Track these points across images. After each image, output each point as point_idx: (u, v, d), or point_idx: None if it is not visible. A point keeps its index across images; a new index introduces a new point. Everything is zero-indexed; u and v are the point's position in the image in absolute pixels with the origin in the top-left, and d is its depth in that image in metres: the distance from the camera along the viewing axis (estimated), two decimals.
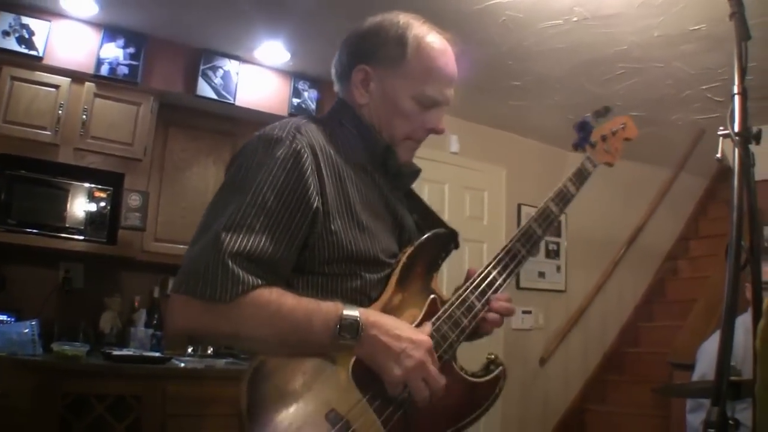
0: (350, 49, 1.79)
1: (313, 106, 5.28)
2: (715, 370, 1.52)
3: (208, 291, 1.37)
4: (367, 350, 1.45)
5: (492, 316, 1.73)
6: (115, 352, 4.22)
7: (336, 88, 1.85)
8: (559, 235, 6.67)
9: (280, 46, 4.84)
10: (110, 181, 4.53)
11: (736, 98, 1.80)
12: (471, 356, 1.80)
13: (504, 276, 1.75)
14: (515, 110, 5.92)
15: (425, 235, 1.73)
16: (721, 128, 1.83)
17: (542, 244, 6.48)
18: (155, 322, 4.76)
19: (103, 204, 4.47)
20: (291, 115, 5.14)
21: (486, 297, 1.70)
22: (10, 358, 3.79)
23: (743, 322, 3.64)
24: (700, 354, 3.78)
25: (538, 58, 4.89)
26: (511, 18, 4.32)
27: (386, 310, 1.58)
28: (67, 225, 4.34)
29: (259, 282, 1.41)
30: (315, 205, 1.52)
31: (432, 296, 1.67)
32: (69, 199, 4.37)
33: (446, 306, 1.66)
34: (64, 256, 4.57)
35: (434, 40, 1.76)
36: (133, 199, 4.51)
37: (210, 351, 4.87)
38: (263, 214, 1.45)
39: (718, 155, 1.85)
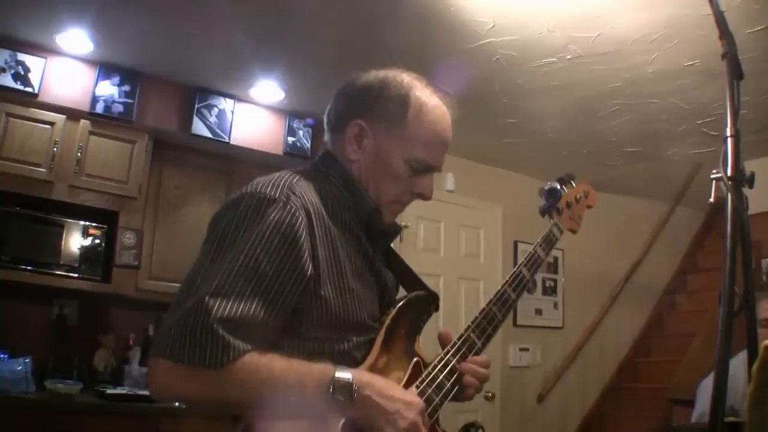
0: (348, 101, 1.75)
1: (308, 144, 5.30)
2: (709, 415, 1.51)
3: (197, 357, 1.32)
4: (361, 411, 1.43)
5: (469, 379, 1.73)
6: (109, 391, 4.21)
7: (326, 137, 1.81)
8: (555, 271, 6.66)
9: (275, 84, 4.85)
10: (105, 218, 4.54)
11: (729, 141, 1.80)
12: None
13: (482, 339, 1.77)
14: (510, 147, 5.92)
15: (407, 297, 1.75)
16: (714, 171, 1.82)
17: (539, 281, 6.47)
18: None
19: (97, 241, 4.47)
20: (286, 154, 5.21)
21: (466, 360, 1.73)
22: (2, 396, 3.77)
23: (744, 358, 3.62)
24: (700, 391, 3.75)
25: (532, 95, 4.90)
26: (505, 56, 4.33)
27: (372, 372, 1.56)
28: (61, 262, 4.34)
29: (249, 347, 1.37)
30: (308, 271, 1.48)
31: (415, 359, 1.68)
32: (63, 236, 4.37)
33: (429, 369, 1.67)
34: (58, 293, 4.56)
35: (436, 104, 1.73)
36: (128, 237, 4.51)
37: None
38: (255, 279, 1.40)
39: (711, 199, 1.85)
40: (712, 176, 1.81)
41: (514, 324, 6.15)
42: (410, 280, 1.85)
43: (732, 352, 3.59)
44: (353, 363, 1.55)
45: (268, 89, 4.92)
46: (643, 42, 4.12)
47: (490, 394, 5.59)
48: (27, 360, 4.06)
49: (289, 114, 5.28)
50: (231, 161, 5.22)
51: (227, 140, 4.98)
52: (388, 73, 1.75)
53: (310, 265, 1.48)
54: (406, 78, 1.74)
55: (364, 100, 1.72)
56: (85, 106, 4.51)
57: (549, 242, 2.09)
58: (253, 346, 1.38)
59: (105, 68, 4.59)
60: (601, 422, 6.63)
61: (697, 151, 5.92)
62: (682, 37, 4.07)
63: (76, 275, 4.37)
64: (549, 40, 4.14)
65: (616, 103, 5.00)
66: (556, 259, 6.64)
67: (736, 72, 1.94)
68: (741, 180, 1.79)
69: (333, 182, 1.69)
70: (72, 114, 4.47)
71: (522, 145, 5.88)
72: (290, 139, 5.25)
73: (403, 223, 1.88)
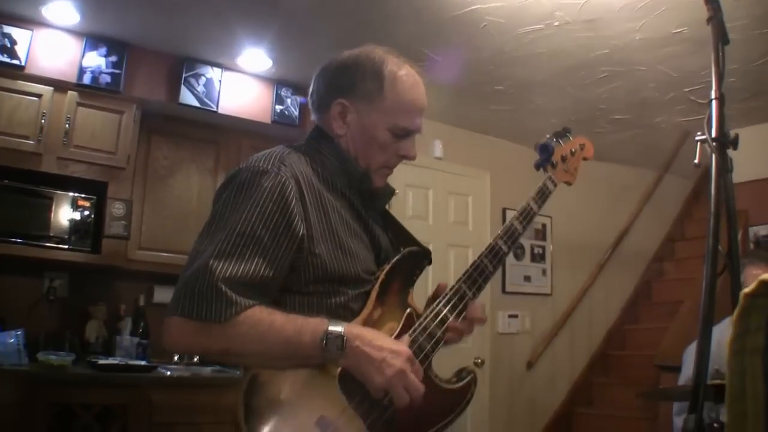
0: (328, 82, 1.88)
1: (296, 112, 5.29)
2: (693, 376, 1.54)
3: (204, 313, 1.49)
4: (352, 361, 1.56)
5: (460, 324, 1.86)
6: (101, 361, 4.21)
7: (313, 116, 1.94)
8: (544, 238, 6.68)
9: (262, 53, 4.84)
10: (94, 189, 4.53)
11: (713, 103, 1.86)
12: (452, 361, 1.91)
13: (473, 290, 1.87)
14: (498, 114, 5.93)
15: (401, 253, 1.85)
16: (699, 133, 1.85)
17: (527, 248, 6.50)
18: (141, 330, 4.76)
19: (86, 213, 4.46)
20: (274, 122, 5.20)
21: (457, 310, 1.82)
22: None
23: (730, 323, 3.66)
24: (686, 356, 3.80)
25: (520, 62, 4.90)
26: (492, 23, 4.33)
27: (367, 323, 1.70)
28: (51, 234, 4.33)
29: (250, 303, 1.53)
30: (300, 232, 1.64)
31: (408, 310, 1.80)
32: (53, 208, 4.36)
33: (421, 319, 1.78)
34: (48, 266, 4.56)
35: (407, 73, 1.86)
36: (117, 208, 4.51)
37: (196, 359, 4.85)
38: (253, 242, 1.57)
39: (696, 161, 1.87)
40: (697, 138, 1.85)
41: (503, 291, 6.20)
42: (405, 238, 1.97)
43: (718, 318, 3.65)
44: (350, 314, 1.70)
45: (256, 58, 4.90)
46: (631, 9, 4.12)
47: (479, 361, 5.62)
48: (19, 333, 4.07)
49: (277, 82, 5.27)
50: (219, 131, 5.21)
51: (215, 109, 4.96)
52: (362, 51, 1.88)
53: (302, 227, 1.64)
54: (378, 53, 1.87)
55: (342, 80, 1.86)
56: (73, 78, 4.48)
57: (542, 195, 2.15)
58: (255, 302, 1.54)
59: (92, 39, 4.55)
60: (589, 389, 6.69)
61: (685, 118, 5.94)
62: (669, 4, 4.07)
63: (66, 247, 4.36)
64: (536, 7, 4.14)
65: (603, 70, 5.01)
66: (544, 226, 6.66)
67: (721, 36, 1.96)
68: (725, 142, 1.81)
69: (324, 153, 1.84)
70: (59, 86, 4.44)
71: (509, 112, 5.87)
72: (278, 108, 5.24)
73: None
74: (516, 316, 6.27)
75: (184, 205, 4.98)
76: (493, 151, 6.42)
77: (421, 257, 1.90)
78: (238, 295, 1.51)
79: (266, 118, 5.20)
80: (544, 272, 6.58)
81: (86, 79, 4.50)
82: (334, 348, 1.53)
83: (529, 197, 2.10)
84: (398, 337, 1.70)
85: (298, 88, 5.34)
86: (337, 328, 1.54)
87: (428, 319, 1.77)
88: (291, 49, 4.81)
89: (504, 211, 6.35)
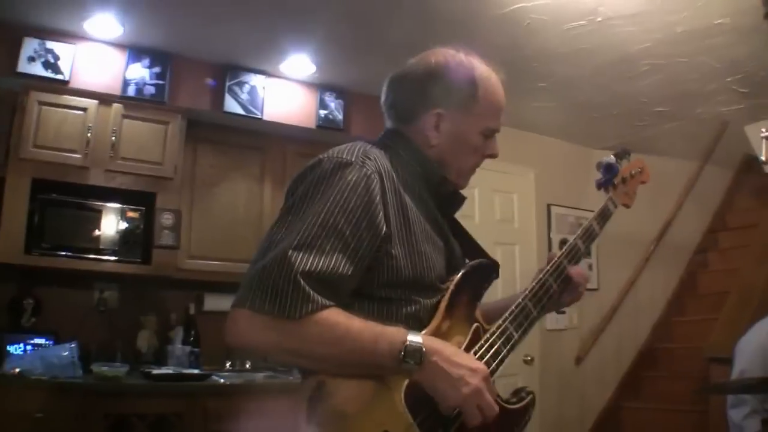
0: (416, 92, 1.83)
1: (340, 116, 5.28)
2: None
3: (277, 308, 1.41)
4: (428, 375, 1.50)
5: (578, 279, 1.94)
6: (155, 371, 4.23)
7: (388, 123, 1.90)
8: None
9: (305, 58, 4.84)
10: (142, 200, 4.56)
11: None
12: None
13: (538, 308, 1.84)
14: (541, 111, 5.89)
15: (470, 264, 1.81)
16: (764, 130, 1.84)
17: None
18: (192, 338, 4.77)
19: (135, 224, 4.49)
20: (318, 127, 5.20)
21: (522, 328, 1.78)
22: (51, 382, 3.80)
23: None
24: (739, 348, 3.75)
25: (563, 59, 4.87)
26: (536, 21, 4.31)
27: (436, 335, 1.63)
28: (100, 246, 4.36)
29: (328, 302, 1.46)
30: (383, 230, 1.57)
31: (475, 325, 1.74)
32: (101, 220, 4.39)
33: (488, 335, 1.72)
34: (98, 277, 4.60)
35: (494, 76, 1.86)
36: (166, 218, 4.53)
37: (248, 365, 4.87)
38: (334, 235, 1.50)
39: (763, 158, 1.87)
40: (762, 135, 1.84)
41: None
42: (473, 249, 1.93)
43: (765, 313, 3.59)
44: (419, 325, 1.62)
45: (299, 63, 4.90)
46: (673, 1, 4.09)
47: (529, 358, 5.62)
48: (73, 345, 4.10)
49: (320, 87, 5.25)
50: (264, 137, 5.21)
51: (260, 116, 4.96)
52: (446, 57, 1.84)
53: (384, 225, 1.58)
54: (464, 58, 1.84)
55: (435, 88, 1.81)
56: (117, 90, 4.51)
57: (604, 216, 2.16)
58: (332, 301, 1.47)
59: (134, 51, 4.59)
60: (638, 383, 6.63)
61: (725, 108, 5.89)
62: None
63: (115, 258, 4.39)
64: (579, 3, 4.13)
65: (645, 63, 4.97)
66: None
67: None
68: None
69: (402, 155, 1.79)
70: (104, 99, 4.47)
71: (553, 108, 5.84)
72: (322, 113, 5.23)
73: None
74: (564, 312, 6.21)
75: (231, 213, 5.00)
76: (537, 148, 6.40)
77: (490, 270, 1.86)
78: (316, 292, 1.43)
79: (311, 123, 5.19)
80: (590, 267, 6.52)
81: (130, 91, 4.52)
82: (412, 360, 1.47)
83: (591, 218, 2.10)
84: (465, 351, 1.65)
85: (342, 92, 5.33)
86: (416, 339, 1.49)
87: (495, 335, 1.72)
88: (333, 54, 4.82)
89: (549, 207, 6.36)
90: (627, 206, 2.28)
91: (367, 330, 1.49)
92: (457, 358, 1.53)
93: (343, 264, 1.49)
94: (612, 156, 2.25)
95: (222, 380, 4.38)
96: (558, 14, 4.25)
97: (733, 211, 7.90)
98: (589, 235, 2.08)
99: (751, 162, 7.61)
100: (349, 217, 1.52)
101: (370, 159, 1.63)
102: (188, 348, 4.71)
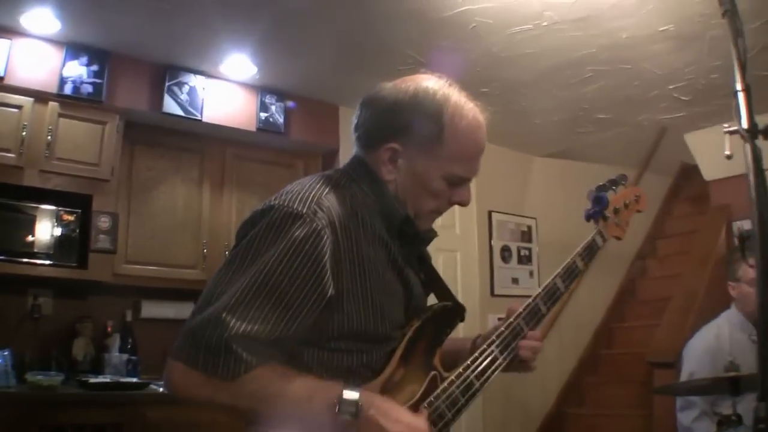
0: (379, 119, 1.71)
1: (281, 120, 5.21)
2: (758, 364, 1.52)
3: (210, 367, 1.37)
4: (364, 431, 1.42)
5: (523, 352, 1.80)
6: (92, 380, 4.11)
7: (355, 148, 1.78)
8: (530, 240, 6.68)
9: (246, 59, 4.75)
10: (78, 203, 4.40)
11: (741, 95, 1.80)
12: None
13: (505, 354, 1.76)
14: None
15: (433, 310, 1.72)
16: (726, 125, 1.84)
17: (514, 250, 6.48)
18: (129, 346, 4.65)
19: (71, 227, 4.33)
20: (259, 129, 5.12)
21: (485, 377, 1.70)
22: None
23: (728, 318, 3.68)
24: (687, 351, 3.78)
25: (507, 64, 4.86)
26: (481, 24, 4.29)
27: (388, 385, 1.57)
28: (35, 250, 4.19)
29: (262, 361, 1.40)
30: (329, 291, 1.49)
31: (432, 373, 1.65)
32: (36, 223, 4.22)
33: (446, 384, 1.63)
34: (32, 282, 4.43)
35: (472, 117, 1.72)
36: (103, 221, 4.39)
37: None
38: (275, 296, 1.43)
39: (727, 152, 1.86)
40: (725, 130, 1.83)
41: (492, 293, 6.18)
42: (439, 288, 1.83)
43: (715, 314, 3.63)
44: (371, 374, 1.57)
45: (240, 64, 4.81)
46: (620, 7, 4.10)
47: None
48: (6, 353, 3.96)
49: (261, 89, 5.17)
50: (203, 140, 5.11)
51: (199, 117, 4.86)
52: (420, 86, 1.69)
53: (332, 285, 1.49)
54: (439, 90, 1.69)
55: (396, 120, 1.68)
56: (53, 88, 4.35)
57: (590, 252, 2.08)
58: (266, 360, 1.41)
59: (72, 48, 4.43)
60: (580, 389, 6.68)
61: (666, 116, 5.95)
62: (657, 2, 4.06)
63: (50, 263, 4.23)
64: (525, 7, 4.11)
65: (589, 69, 4.99)
66: (529, 227, 6.67)
67: (738, 28, 1.94)
68: (755, 132, 1.80)
69: (364, 189, 1.67)
70: (40, 96, 4.31)
71: (494, 114, 5.72)
72: (263, 115, 5.14)
73: None
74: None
75: (169, 217, 4.87)
76: None
77: (454, 315, 1.77)
78: (250, 351, 1.38)
79: (251, 126, 5.11)
80: (531, 274, 6.57)
81: (67, 89, 4.37)
82: (348, 415, 1.38)
83: (575, 253, 2.01)
84: (419, 401, 1.57)
85: (283, 95, 5.26)
86: (352, 394, 1.40)
87: (454, 385, 1.63)
88: (275, 55, 4.74)
89: (490, 214, 6.36)
90: (618, 239, 2.20)
91: (302, 386, 1.43)
92: (396, 414, 1.46)
93: (282, 326, 1.43)
94: (604, 184, 2.16)
95: (161, 389, 4.24)
96: (504, 18, 4.23)
97: (671, 218, 8.05)
98: (570, 273, 1.99)
99: (688, 170, 7.78)
100: (292, 278, 1.44)
101: (322, 210, 1.52)
102: (126, 356, 4.59)
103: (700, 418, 3.47)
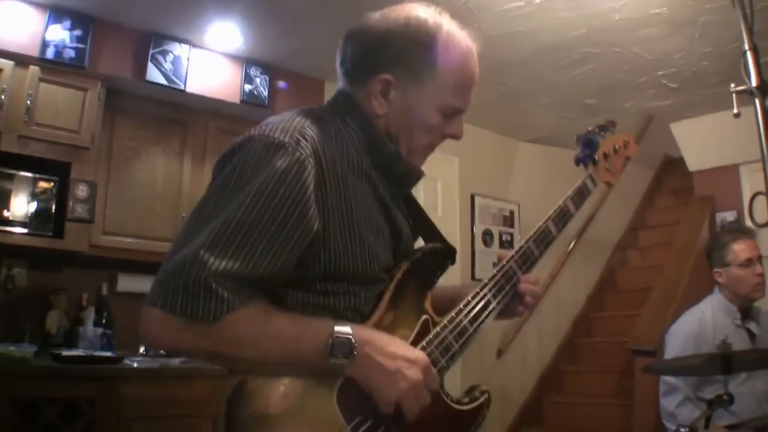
0: (369, 51, 1.62)
1: (265, 92, 5.11)
2: None
3: (189, 309, 1.27)
4: (360, 370, 1.38)
5: (527, 299, 1.77)
6: (65, 353, 3.99)
7: (341, 83, 1.69)
8: (512, 225, 6.66)
9: (233, 27, 4.65)
10: (56, 170, 4.27)
11: (749, 54, 1.83)
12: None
13: (499, 298, 1.70)
14: None
15: (422, 250, 1.65)
16: (733, 85, 1.83)
17: (496, 234, 6.45)
18: (104, 320, 4.54)
19: (48, 195, 4.22)
20: (243, 102, 5.02)
21: (479, 321, 1.64)
22: None
23: (711, 303, 3.67)
24: (670, 337, 3.76)
25: (497, 43, 4.80)
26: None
27: (378, 328, 1.49)
28: (10, 218, 4.07)
29: (245, 301, 1.31)
30: (315, 226, 1.40)
31: (424, 317, 1.59)
32: (12, 190, 4.10)
33: (438, 329, 1.58)
34: (7, 253, 4.32)
35: (464, 45, 1.65)
36: (81, 190, 4.28)
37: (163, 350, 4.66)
38: (256, 232, 1.33)
39: (735, 110, 1.85)
40: (733, 90, 1.83)
41: (473, 277, 6.13)
42: (428, 230, 1.77)
43: (698, 299, 3.63)
44: (359, 318, 1.49)
45: (226, 33, 4.71)
46: None
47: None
48: None
49: (246, 61, 5.07)
50: (186, 111, 4.99)
51: (183, 87, 4.74)
52: (410, 13, 1.61)
53: (317, 219, 1.41)
54: (430, 18, 1.61)
55: (388, 50, 1.59)
56: (35, 52, 4.22)
57: (581, 195, 2.02)
58: (249, 300, 1.32)
59: (55, 12, 4.31)
60: (558, 376, 6.66)
61: (653, 104, 5.95)
62: None
63: (26, 231, 4.11)
64: None
65: (579, 52, 4.96)
66: (512, 212, 6.66)
67: None
68: (765, 90, 1.81)
69: (351, 125, 1.60)
70: (21, 60, 4.18)
71: (481, 95, 5.71)
72: (247, 87, 5.04)
73: None
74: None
75: (149, 189, 4.75)
76: (463, 136, 6.31)
77: (445, 256, 1.69)
78: (231, 291, 1.28)
79: (235, 98, 5.00)
80: None
81: (49, 53, 4.25)
82: (341, 354, 1.33)
83: (565, 197, 1.96)
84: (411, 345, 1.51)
85: (268, 68, 5.16)
86: (344, 329, 1.35)
87: (446, 329, 1.57)
88: (262, 25, 4.64)
89: (473, 197, 6.32)
90: (609, 184, 2.15)
91: (290, 326, 1.36)
92: (393, 348, 1.40)
93: (265, 263, 1.33)
94: (594, 128, 2.11)
95: (136, 364, 4.14)
96: None
97: (653, 210, 8.09)
98: (562, 217, 1.94)
99: (671, 163, 7.81)
100: (275, 211, 1.34)
101: (306, 139, 1.43)
102: (101, 330, 4.47)
103: (684, 404, 3.44)
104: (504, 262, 1.75)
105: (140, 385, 3.97)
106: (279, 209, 1.35)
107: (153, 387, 3.99)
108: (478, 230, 6.32)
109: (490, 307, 1.67)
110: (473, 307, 1.64)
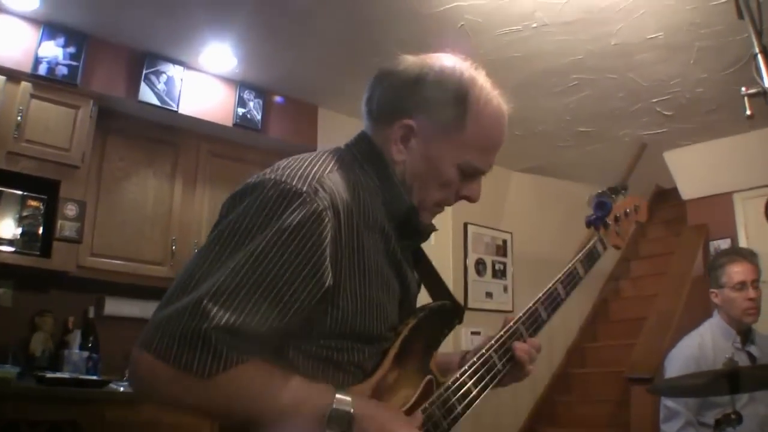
0: (396, 94, 1.55)
1: (258, 116, 5.08)
2: None
3: (183, 361, 1.17)
4: None
5: (528, 368, 1.69)
6: (49, 375, 3.92)
7: (364, 123, 1.62)
8: (505, 255, 6.63)
9: (227, 49, 4.63)
10: (44, 188, 4.23)
11: (759, 57, 1.77)
12: None
13: (504, 360, 1.65)
14: None
15: (429, 307, 1.58)
16: (743, 89, 1.82)
17: (489, 264, 6.40)
18: (90, 344, 4.47)
19: (36, 213, 4.16)
20: (236, 125, 4.99)
21: (483, 383, 1.58)
22: None
23: (710, 326, 3.64)
24: (669, 361, 3.72)
25: (492, 67, 4.68)
26: (470, 23, 4.22)
27: (380, 387, 1.43)
28: None
29: (244, 357, 1.22)
30: (327, 282, 1.31)
31: (428, 377, 1.52)
32: None
33: (441, 390, 1.51)
34: None
35: (496, 104, 1.58)
36: (70, 209, 4.22)
37: None
38: (265, 284, 1.24)
39: (748, 113, 1.84)
40: (743, 93, 1.83)
41: (465, 307, 6.04)
42: (436, 286, 1.71)
43: (697, 323, 3.60)
44: (362, 375, 1.43)
45: (220, 55, 4.68)
46: (611, 11, 4.08)
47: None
48: None
49: (240, 84, 5.05)
50: (178, 133, 4.95)
51: (175, 109, 4.70)
52: (444, 63, 1.56)
53: (330, 275, 1.32)
54: (465, 71, 1.56)
55: (415, 96, 1.53)
56: (27, 68, 4.18)
57: (591, 259, 1.98)
58: (250, 356, 1.23)
59: (50, 28, 4.28)
60: (552, 407, 6.61)
61: (647, 132, 5.93)
62: (648, 8, 4.05)
63: (12, 249, 4.05)
64: (517, 7, 4.06)
65: (575, 77, 4.95)
66: (504, 242, 6.62)
67: None
68: None
69: (368, 172, 1.53)
70: (12, 75, 4.14)
71: None
72: (240, 111, 5.01)
73: None
74: (479, 333, 6.11)
75: (139, 211, 4.70)
76: None
77: (452, 315, 1.64)
78: (230, 347, 1.19)
79: (228, 121, 4.97)
80: (505, 289, 6.51)
81: (42, 69, 4.21)
82: (338, 428, 1.26)
83: (575, 260, 1.93)
84: (414, 406, 1.44)
85: (262, 91, 5.14)
86: (345, 399, 1.28)
87: (450, 390, 1.51)
88: (257, 48, 4.63)
89: (465, 226, 6.28)
90: (617, 248, 2.12)
91: (288, 389, 1.27)
92: (393, 427, 1.33)
93: (271, 318, 1.24)
94: (605, 191, 2.08)
95: (122, 388, 4.06)
96: (494, 17, 4.17)
97: (645, 240, 8.08)
98: (571, 280, 1.90)
99: (663, 194, 7.81)
100: (286, 264, 1.26)
101: (324, 189, 1.34)
102: (86, 354, 4.41)
103: (685, 429, 3.40)
104: (511, 323, 1.69)
105: (126, 408, 3.89)
106: (291, 262, 1.26)
107: (138, 411, 3.89)
108: (471, 259, 6.28)
109: (496, 367, 1.62)
110: (478, 368, 1.59)
